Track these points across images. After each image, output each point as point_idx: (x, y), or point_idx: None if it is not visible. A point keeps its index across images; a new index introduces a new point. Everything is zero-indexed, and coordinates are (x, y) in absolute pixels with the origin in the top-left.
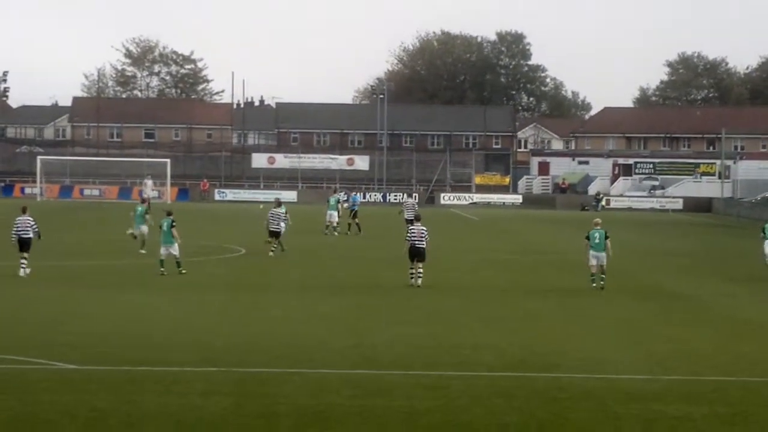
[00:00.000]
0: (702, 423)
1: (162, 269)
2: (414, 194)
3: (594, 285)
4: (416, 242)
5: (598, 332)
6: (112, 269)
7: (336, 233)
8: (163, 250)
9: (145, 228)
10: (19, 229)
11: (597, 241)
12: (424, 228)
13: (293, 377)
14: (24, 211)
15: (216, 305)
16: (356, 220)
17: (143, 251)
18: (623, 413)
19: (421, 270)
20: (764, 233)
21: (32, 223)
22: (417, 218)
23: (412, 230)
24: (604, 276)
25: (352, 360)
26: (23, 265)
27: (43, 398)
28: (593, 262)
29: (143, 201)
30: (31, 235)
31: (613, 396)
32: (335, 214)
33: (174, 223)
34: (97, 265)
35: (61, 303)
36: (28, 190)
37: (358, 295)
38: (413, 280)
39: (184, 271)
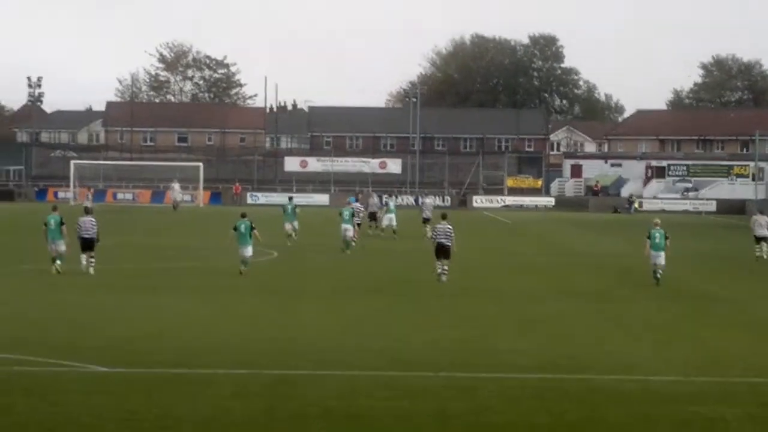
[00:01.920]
0: (735, 425)
1: (242, 269)
2: (431, 195)
3: (656, 280)
4: (443, 240)
5: (630, 334)
6: (143, 272)
7: (353, 245)
8: (241, 251)
9: (60, 244)
10: (82, 229)
11: (657, 240)
12: (450, 226)
13: (324, 379)
14: (87, 212)
15: (247, 308)
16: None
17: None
18: (655, 415)
19: (446, 267)
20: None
21: (94, 223)
22: (443, 216)
23: (438, 228)
24: (661, 272)
25: (383, 362)
26: (92, 264)
27: (75, 400)
28: (653, 260)
29: (55, 208)
30: (93, 236)
31: (645, 398)
32: (350, 228)
33: (253, 225)
34: (129, 269)
35: (91, 306)
36: (61, 195)
37: (390, 297)
38: (439, 276)
39: (244, 271)
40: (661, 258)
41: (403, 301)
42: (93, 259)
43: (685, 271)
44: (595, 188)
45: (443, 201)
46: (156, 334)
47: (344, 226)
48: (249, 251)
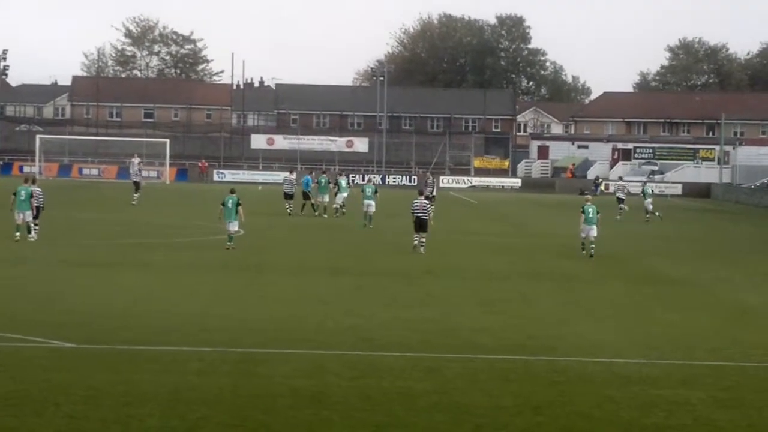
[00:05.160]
0: (699, 407)
1: (229, 243)
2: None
3: (584, 252)
4: (420, 214)
5: (595, 316)
6: (109, 248)
7: (325, 215)
8: (228, 226)
9: (29, 215)
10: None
11: (590, 215)
12: (426, 201)
13: (290, 358)
14: (32, 181)
15: (213, 285)
16: (311, 200)
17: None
18: (620, 397)
19: (424, 239)
20: (644, 194)
21: (40, 192)
22: (420, 192)
23: (416, 203)
24: (593, 245)
25: (349, 341)
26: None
27: (39, 376)
28: (584, 233)
29: (26, 180)
30: (39, 204)
31: (610, 380)
32: (372, 203)
33: (240, 202)
34: (95, 245)
35: (57, 281)
36: (26, 169)
37: (356, 277)
38: (416, 248)
39: (232, 247)
40: (594, 231)
41: (368, 280)
42: (37, 227)
43: (650, 254)
44: (572, 171)
45: (410, 181)
46: (121, 311)
47: (366, 201)
48: (235, 226)
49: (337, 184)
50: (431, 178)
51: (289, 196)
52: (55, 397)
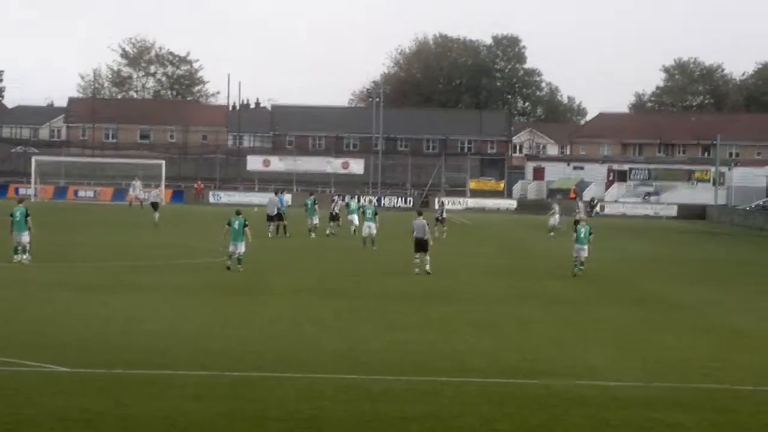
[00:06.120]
0: (694, 430)
1: (229, 264)
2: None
3: (575, 272)
4: (419, 235)
5: (590, 339)
6: (104, 271)
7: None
8: (232, 248)
9: (26, 236)
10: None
11: (582, 235)
12: (425, 221)
13: (285, 382)
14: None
15: (208, 308)
16: (284, 222)
17: (24, 258)
18: (615, 420)
19: (428, 258)
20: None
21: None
22: (419, 213)
23: (415, 224)
24: (582, 266)
25: (344, 365)
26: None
27: (35, 401)
28: (576, 253)
29: (21, 201)
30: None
31: (604, 403)
32: (373, 225)
33: (246, 223)
34: (90, 267)
35: (52, 304)
36: (22, 191)
37: (353, 299)
38: (418, 269)
39: (241, 269)
40: (585, 251)
41: (364, 303)
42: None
43: (645, 276)
44: (574, 192)
45: (405, 202)
46: (116, 334)
47: (366, 223)
48: (241, 248)
49: (348, 206)
50: (444, 202)
51: (271, 218)
52: (51, 422)
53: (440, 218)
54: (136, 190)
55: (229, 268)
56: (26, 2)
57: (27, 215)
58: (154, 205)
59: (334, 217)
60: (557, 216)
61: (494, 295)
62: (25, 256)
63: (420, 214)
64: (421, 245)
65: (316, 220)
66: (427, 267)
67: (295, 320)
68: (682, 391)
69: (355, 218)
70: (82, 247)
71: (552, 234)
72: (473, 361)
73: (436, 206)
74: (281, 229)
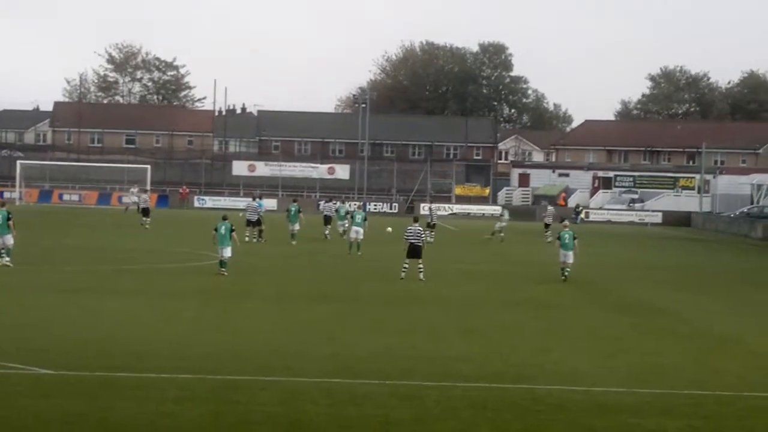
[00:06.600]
0: None
1: (222, 270)
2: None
3: (563, 277)
4: (414, 241)
5: (574, 344)
6: (88, 274)
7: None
8: (221, 252)
9: (9, 239)
10: None
11: (566, 241)
12: (420, 228)
13: (269, 385)
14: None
15: (192, 312)
16: (261, 227)
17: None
18: (599, 426)
19: (421, 266)
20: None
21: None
22: (415, 219)
23: (410, 230)
24: (569, 270)
25: (329, 369)
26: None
27: (18, 403)
28: (562, 258)
29: (2, 204)
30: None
31: (588, 408)
32: (361, 230)
33: (233, 228)
34: (74, 270)
35: (36, 308)
36: (6, 195)
37: (337, 304)
38: (404, 273)
39: (225, 273)
40: (570, 257)
41: (349, 308)
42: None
43: (629, 282)
44: (563, 199)
45: (390, 208)
46: (100, 338)
47: (355, 228)
48: (228, 252)
49: (348, 213)
50: (435, 206)
51: (251, 223)
52: (33, 424)
53: (431, 223)
54: (133, 197)
55: (220, 273)
56: (12, 4)
57: (8, 218)
58: (145, 211)
59: (326, 221)
60: (504, 223)
61: (480, 301)
62: (6, 259)
63: (416, 220)
64: (415, 251)
65: (297, 227)
66: (421, 276)
67: (280, 324)
68: (667, 396)
69: (345, 223)
70: (66, 251)
71: (491, 237)
72: (458, 365)
73: (422, 211)
74: (258, 234)
